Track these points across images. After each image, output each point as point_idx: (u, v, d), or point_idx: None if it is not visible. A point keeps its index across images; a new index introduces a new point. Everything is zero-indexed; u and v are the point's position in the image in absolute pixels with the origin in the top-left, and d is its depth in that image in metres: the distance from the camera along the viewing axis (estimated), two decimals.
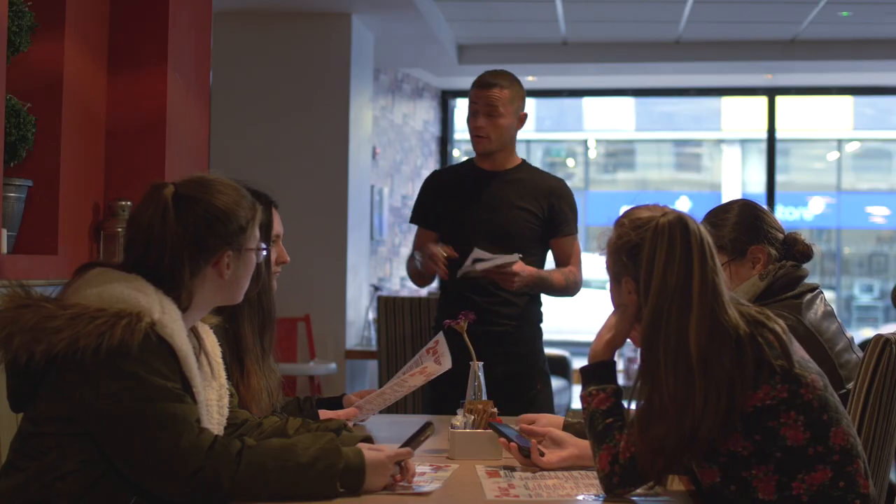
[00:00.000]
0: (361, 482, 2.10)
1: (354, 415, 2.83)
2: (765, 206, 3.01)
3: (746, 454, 2.09)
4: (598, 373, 2.23)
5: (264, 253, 2.35)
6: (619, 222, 2.22)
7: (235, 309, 2.60)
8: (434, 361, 2.81)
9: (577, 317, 9.45)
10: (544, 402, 3.82)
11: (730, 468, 2.10)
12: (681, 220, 2.14)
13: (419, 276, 3.95)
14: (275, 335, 2.81)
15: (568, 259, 3.88)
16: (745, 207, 2.95)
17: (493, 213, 3.83)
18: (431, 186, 4.00)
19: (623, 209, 2.26)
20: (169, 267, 2.14)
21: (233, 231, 2.21)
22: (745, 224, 2.90)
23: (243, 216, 2.23)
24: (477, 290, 3.78)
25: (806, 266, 2.89)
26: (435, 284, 4.29)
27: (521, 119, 3.89)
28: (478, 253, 3.65)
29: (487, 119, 3.80)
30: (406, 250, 8.98)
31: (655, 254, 2.12)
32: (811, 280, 2.89)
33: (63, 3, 3.49)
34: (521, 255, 3.67)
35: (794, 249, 2.89)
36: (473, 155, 3.98)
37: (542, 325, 3.97)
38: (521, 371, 3.81)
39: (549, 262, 3.98)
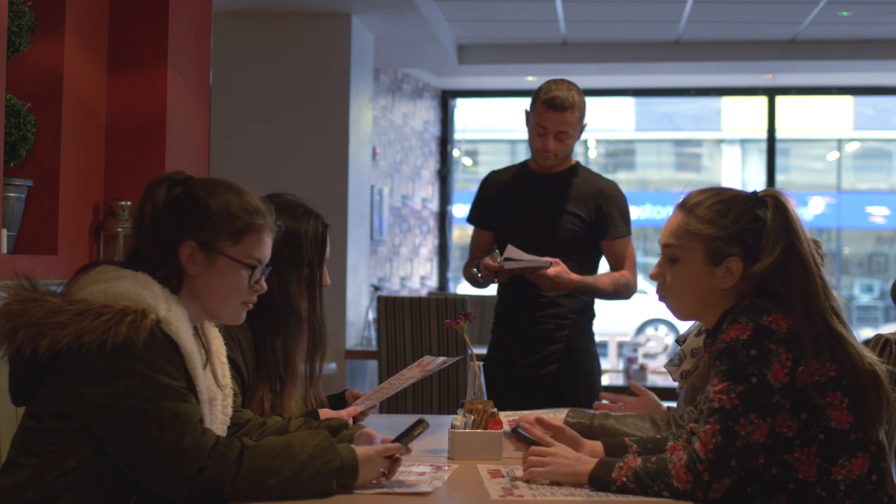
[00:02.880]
0: (355, 479, 2.11)
1: (356, 413, 2.83)
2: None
3: (791, 435, 2.14)
4: (606, 466, 2.21)
5: (260, 272, 2.23)
6: (718, 198, 2.29)
7: (290, 329, 2.64)
8: (420, 368, 2.80)
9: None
10: (584, 402, 3.82)
11: (774, 451, 2.15)
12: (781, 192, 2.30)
13: (477, 284, 4.01)
14: (324, 357, 2.80)
15: (620, 262, 3.87)
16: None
17: (540, 216, 3.86)
18: (485, 188, 4.04)
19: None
20: (146, 248, 2.14)
21: (194, 219, 2.15)
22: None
23: (217, 212, 2.16)
24: (529, 290, 3.80)
25: None
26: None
27: (582, 128, 3.88)
28: (510, 251, 3.70)
29: (558, 142, 3.79)
30: (406, 250, 8.97)
31: (790, 220, 2.24)
32: None
33: (63, 3, 3.49)
34: (551, 262, 3.68)
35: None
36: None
37: (592, 326, 3.99)
38: (562, 370, 3.84)
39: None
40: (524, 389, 3.80)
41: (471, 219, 4.08)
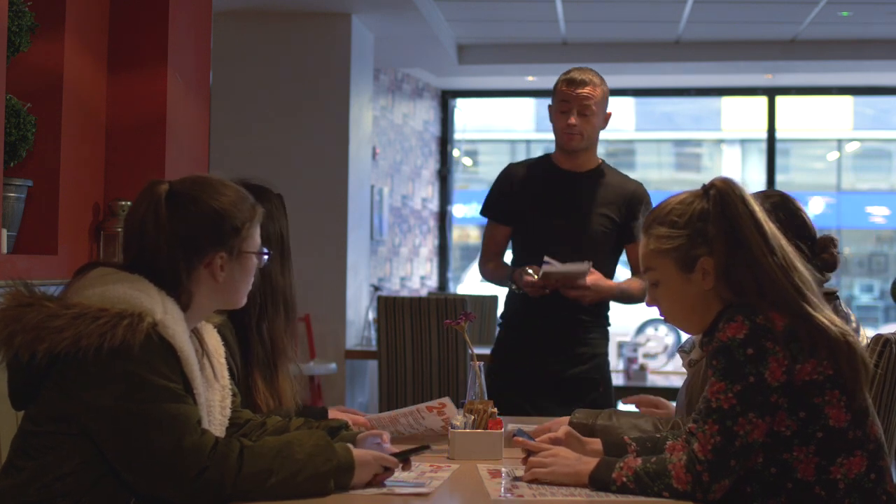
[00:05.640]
0: (351, 479, 2.12)
1: (364, 424, 2.79)
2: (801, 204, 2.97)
3: (790, 434, 2.14)
4: (606, 465, 2.20)
5: (266, 258, 2.34)
6: (665, 211, 2.28)
7: (275, 309, 2.65)
8: (443, 420, 2.74)
9: None
10: (605, 405, 3.77)
11: (772, 450, 2.14)
12: (731, 180, 2.28)
13: (501, 283, 3.94)
14: (296, 328, 2.81)
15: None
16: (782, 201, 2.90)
17: (570, 215, 3.78)
18: (506, 181, 3.90)
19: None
20: (164, 267, 2.14)
21: (226, 232, 2.19)
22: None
23: (239, 218, 2.21)
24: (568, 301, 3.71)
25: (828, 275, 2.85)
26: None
27: (607, 119, 3.84)
28: (547, 264, 3.62)
29: (582, 118, 3.75)
30: (406, 250, 8.97)
31: (726, 207, 2.22)
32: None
33: (63, 3, 3.49)
34: (591, 263, 3.63)
35: (822, 255, 2.84)
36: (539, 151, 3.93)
37: (609, 329, 3.93)
38: (586, 372, 3.80)
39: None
40: (548, 391, 3.73)
41: (486, 212, 3.93)
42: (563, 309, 3.76)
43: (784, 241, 2.25)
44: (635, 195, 3.82)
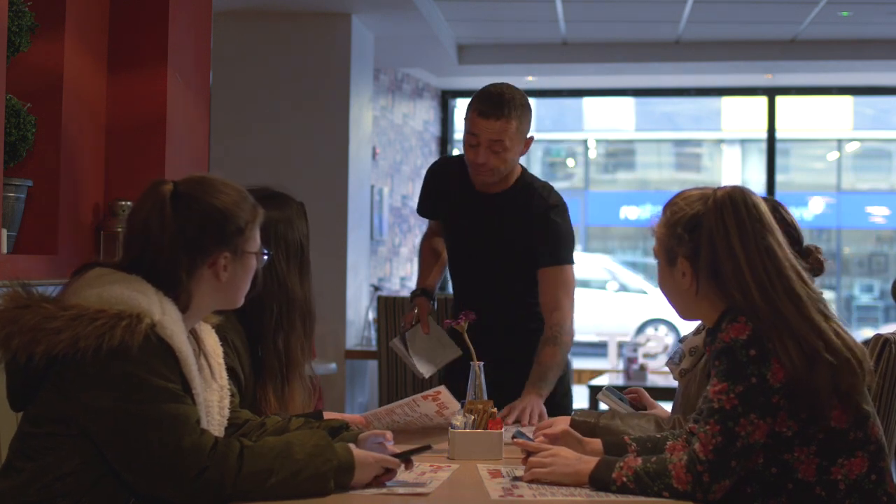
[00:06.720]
0: (351, 478, 2.12)
1: (361, 422, 2.79)
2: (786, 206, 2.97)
3: (790, 434, 2.14)
4: (606, 465, 2.20)
5: (266, 257, 2.34)
6: (671, 202, 2.31)
7: (291, 322, 2.62)
8: (437, 406, 2.74)
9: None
10: (567, 410, 3.66)
11: (773, 450, 2.15)
12: (738, 189, 2.25)
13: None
14: (313, 332, 2.77)
15: (551, 293, 3.35)
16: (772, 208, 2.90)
17: (480, 236, 3.48)
18: (430, 183, 3.69)
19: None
20: (166, 266, 2.14)
21: (230, 232, 2.19)
22: None
23: (242, 218, 2.21)
24: (496, 301, 3.50)
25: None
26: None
27: (527, 145, 3.36)
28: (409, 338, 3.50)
29: (493, 154, 3.27)
30: (406, 250, 8.97)
31: (715, 217, 2.22)
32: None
33: (63, 3, 3.49)
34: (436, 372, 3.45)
35: (808, 259, 2.85)
36: None
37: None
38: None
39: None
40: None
41: (420, 210, 3.72)
42: (514, 322, 3.50)
43: (787, 262, 2.22)
44: (544, 219, 3.37)
